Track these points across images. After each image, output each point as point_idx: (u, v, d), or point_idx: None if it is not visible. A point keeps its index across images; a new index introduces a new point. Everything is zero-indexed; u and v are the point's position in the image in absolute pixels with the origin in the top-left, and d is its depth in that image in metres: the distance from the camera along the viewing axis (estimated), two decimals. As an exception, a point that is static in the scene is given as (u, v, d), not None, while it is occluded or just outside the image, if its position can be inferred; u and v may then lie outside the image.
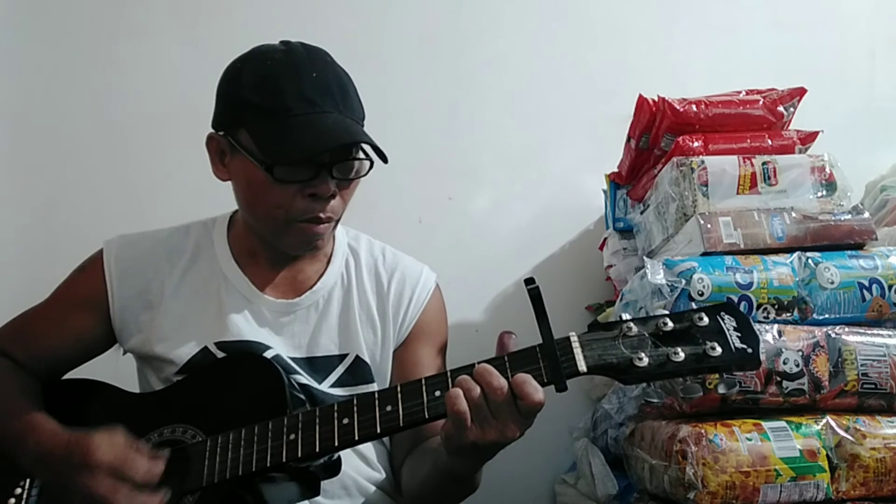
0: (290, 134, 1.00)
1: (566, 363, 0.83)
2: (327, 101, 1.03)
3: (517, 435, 0.84)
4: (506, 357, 0.86)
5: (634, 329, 0.85)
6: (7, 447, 1.01)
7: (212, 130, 1.11)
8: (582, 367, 0.83)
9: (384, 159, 1.05)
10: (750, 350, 0.83)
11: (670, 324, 0.84)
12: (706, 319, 0.85)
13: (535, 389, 0.82)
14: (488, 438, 0.83)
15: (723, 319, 0.85)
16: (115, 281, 1.15)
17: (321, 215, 1.06)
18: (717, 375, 0.85)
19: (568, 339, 0.85)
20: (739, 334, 0.84)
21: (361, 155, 1.08)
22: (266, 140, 1.01)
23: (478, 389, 0.83)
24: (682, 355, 0.82)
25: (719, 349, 0.82)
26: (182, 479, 0.95)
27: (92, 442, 0.91)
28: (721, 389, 0.86)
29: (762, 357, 1.17)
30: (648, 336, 0.84)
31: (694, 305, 1.17)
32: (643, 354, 0.82)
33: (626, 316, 0.87)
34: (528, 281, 0.85)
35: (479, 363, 0.86)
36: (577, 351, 0.84)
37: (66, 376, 1.19)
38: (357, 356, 1.14)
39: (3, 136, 1.86)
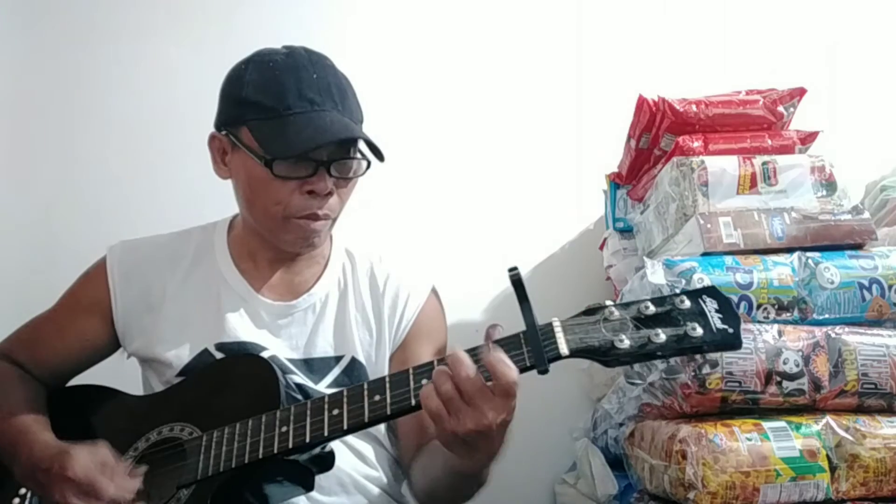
0: (289, 130, 1.03)
1: (549, 347, 0.84)
2: (327, 100, 1.06)
3: (496, 420, 0.83)
4: (489, 344, 0.86)
5: (616, 313, 0.86)
6: (5, 456, 1.04)
7: (213, 130, 1.13)
8: (564, 350, 0.84)
9: (381, 158, 1.07)
10: (731, 330, 0.84)
11: (652, 307, 0.85)
12: (687, 302, 0.86)
13: (507, 368, 0.82)
14: (467, 427, 0.82)
15: (704, 302, 0.86)
16: (118, 285, 1.17)
17: (318, 212, 1.07)
18: (700, 356, 0.86)
19: (550, 324, 0.86)
20: (721, 315, 0.85)
21: (359, 155, 1.10)
22: (266, 137, 1.04)
23: (448, 384, 0.83)
24: (663, 336, 0.83)
25: (700, 330, 0.83)
26: (178, 473, 0.96)
27: (70, 457, 0.95)
28: (706, 370, 0.87)
29: (762, 357, 1.18)
30: (630, 319, 0.85)
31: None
32: (624, 337, 0.83)
33: (608, 301, 0.88)
34: (511, 269, 0.86)
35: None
36: (560, 335, 0.85)
37: (72, 381, 1.21)
38: (353, 357, 1.15)
39: (4, 138, 1.86)
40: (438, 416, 0.83)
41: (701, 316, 0.84)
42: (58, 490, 0.94)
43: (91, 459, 0.95)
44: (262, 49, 1.12)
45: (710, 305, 0.85)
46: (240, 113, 1.07)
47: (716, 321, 0.84)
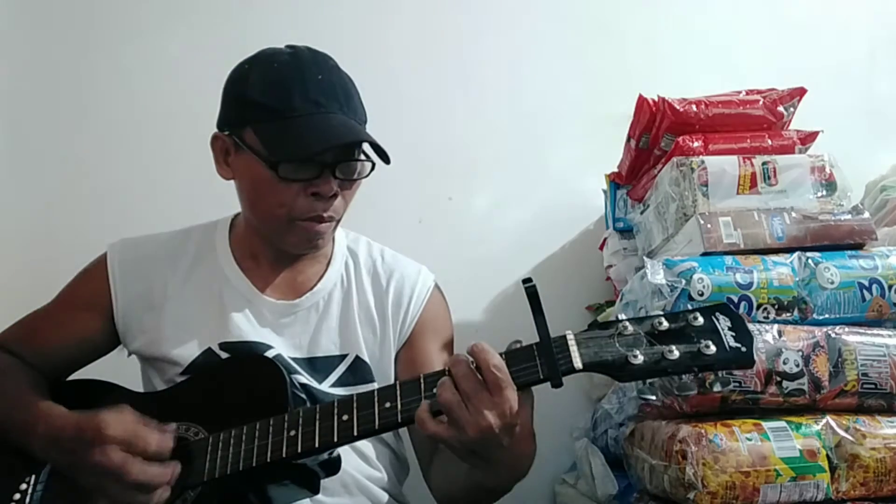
0: (294, 133, 1.02)
1: (562, 360, 0.84)
2: (332, 102, 1.05)
3: (496, 423, 0.81)
4: (503, 355, 0.86)
5: (630, 328, 0.86)
6: (16, 437, 1.02)
7: (216, 130, 1.12)
8: (578, 363, 0.83)
9: (386, 160, 1.06)
10: (744, 349, 0.84)
11: (665, 323, 0.85)
12: (701, 319, 0.86)
13: (488, 353, 0.82)
14: (469, 435, 0.81)
15: (717, 319, 0.86)
16: (118, 283, 1.16)
17: (323, 214, 1.08)
18: (712, 373, 0.85)
19: (564, 337, 0.86)
20: (734, 333, 0.85)
21: (364, 156, 1.10)
22: (271, 138, 1.03)
23: (448, 392, 0.82)
24: (676, 353, 0.83)
25: (713, 348, 0.83)
26: (184, 474, 0.95)
27: (102, 420, 0.92)
28: (717, 388, 0.86)
29: (762, 357, 1.18)
30: (644, 335, 0.85)
31: (691, 306, 1.17)
32: (638, 352, 0.83)
33: (622, 316, 0.87)
34: (526, 280, 0.86)
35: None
36: (574, 348, 0.84)
37: (72, 377, 1.20)
38: (357, 356, 1.15)
39: (4, 138, 1.86)
40: (438, 434, 0.82)
41: (714, 333, 0.84)
42: (94, 452, 0.90)
43: (124, 418, 0.93)
44: (265, 49, 1.11)
45: (723, 323, 0.85)
46: (244, 114, 1.07)
47: (729, 339, 0.84)
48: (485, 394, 0.81)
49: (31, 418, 1.00)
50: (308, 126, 1.03)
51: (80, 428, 0.93)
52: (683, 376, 0.85)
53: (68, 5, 1.91)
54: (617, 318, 0.87)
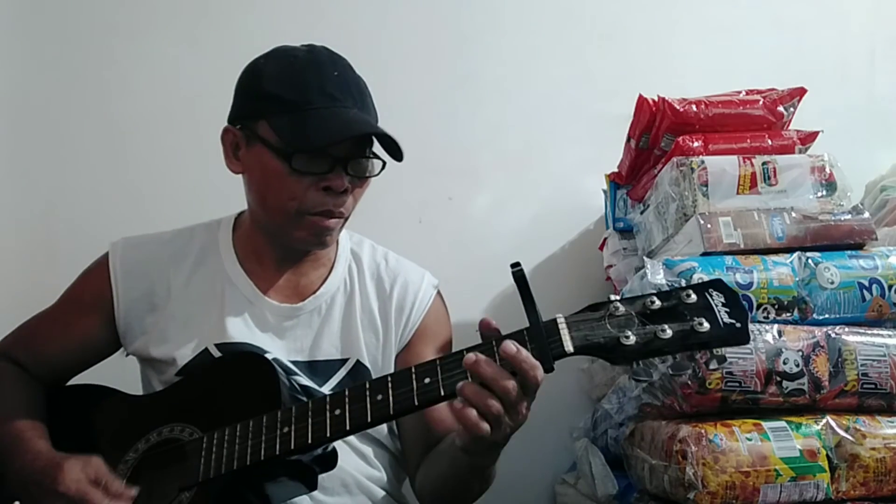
0: (310, 124, 1.02)
1: (553, 344, 0.83)
2: (347, 97, 1.06)
3: (526, 416, 0.85)
4: (493, 341, 0.85)
5: (622, 309, 0.84)
6: (1, 462, 1.03)
7: (227, 124, 1.12)
8: (569, 347, 0.82)
9: (399, 157, 1.06)
10: (739, 325, 0.81)
11: (658, 302, 0.83)
12: (694, 296, 0.83)
13: (537, 369, 0.82)
14: (505, 433, 0.84)
15: (711, 296, 0.84)
16: (120, 283, 1.16)
17: (333, 210, 1.07)
18: (707, 352, 0.84)
19: (555, 320, 0.85)
20: (728, 310, 0.82)
21: (375, 154, 1.10)
22: (286, 130, 1.03)
23: (490, 400, 0.82)
24: (669, 332, 0.81)
25: (707, 325, 0.81)
26: (179, 475, 0.95)
27: (62, 470, 0.94)
28: (713, 365, 0.85)
29: (762, 357, 1.18)
30: (636, 315, 0.83)
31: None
32: (630, 333, 0.81)
33: (613, 297, 0.86)
34: (514, 264, 0.85)
35: (467, 350, 0.86)
36: (564, 331, 0.83)
37: (72, 381, 1.20)
38: (358, 360, 1.15)
39: (3, 138, 1.86)
40: (483, 435, 0.82)
41: (707, 310, 0.82)
42: (48, 502, 0.93)
43: (83, 472, 0.94)
44: (281, 45, 1.12)
45: (716, 299, 0.83)
46: (258, 106, 1.07)
47: (723, 316, 0.82)
48: (522, 396, 0.83)
49: (12, 451, 1.02)
50: (324, 118, 1.03)
51: (44, 473, 0.96)
52: (678, 355, 0.83)
53: (68, 6, 1.91)
54: (609, 298, 0.86)
